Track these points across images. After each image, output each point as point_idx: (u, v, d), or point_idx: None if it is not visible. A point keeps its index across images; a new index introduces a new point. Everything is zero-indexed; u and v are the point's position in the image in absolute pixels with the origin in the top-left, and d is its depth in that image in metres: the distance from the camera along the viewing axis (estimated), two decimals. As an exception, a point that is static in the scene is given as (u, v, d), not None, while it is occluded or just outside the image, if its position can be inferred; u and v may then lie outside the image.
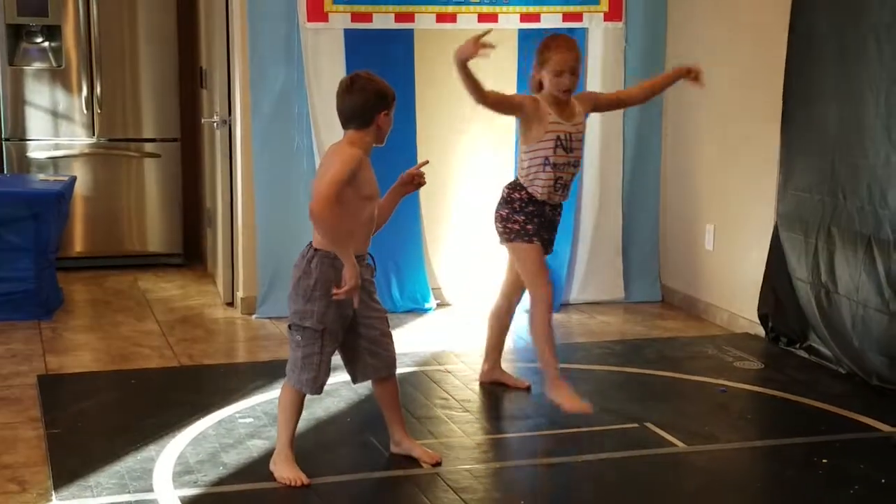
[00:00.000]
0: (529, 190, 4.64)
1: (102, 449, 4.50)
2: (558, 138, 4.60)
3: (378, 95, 4.06)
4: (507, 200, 4.72)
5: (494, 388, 5.11)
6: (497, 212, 4.74)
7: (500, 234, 4.76)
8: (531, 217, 4.62)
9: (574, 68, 4.60)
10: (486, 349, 5.12)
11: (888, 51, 4.75)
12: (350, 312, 3.99)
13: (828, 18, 5.19)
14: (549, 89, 4.60)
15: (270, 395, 4.96)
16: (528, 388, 5.00)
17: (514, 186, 4.74)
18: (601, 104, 5.03)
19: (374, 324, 4.14)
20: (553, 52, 4.59)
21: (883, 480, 3.87)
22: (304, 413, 4.38)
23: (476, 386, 5.09)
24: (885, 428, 4.24)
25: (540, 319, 4.72)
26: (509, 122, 6.46)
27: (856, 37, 5.05)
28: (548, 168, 4.61)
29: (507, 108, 4.79)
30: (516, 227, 4.65)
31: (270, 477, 4.09)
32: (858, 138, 4.99)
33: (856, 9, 5.02)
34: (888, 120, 4.75)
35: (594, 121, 6.56)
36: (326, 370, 4.07)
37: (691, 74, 4.98)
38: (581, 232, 6.69)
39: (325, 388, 4.27)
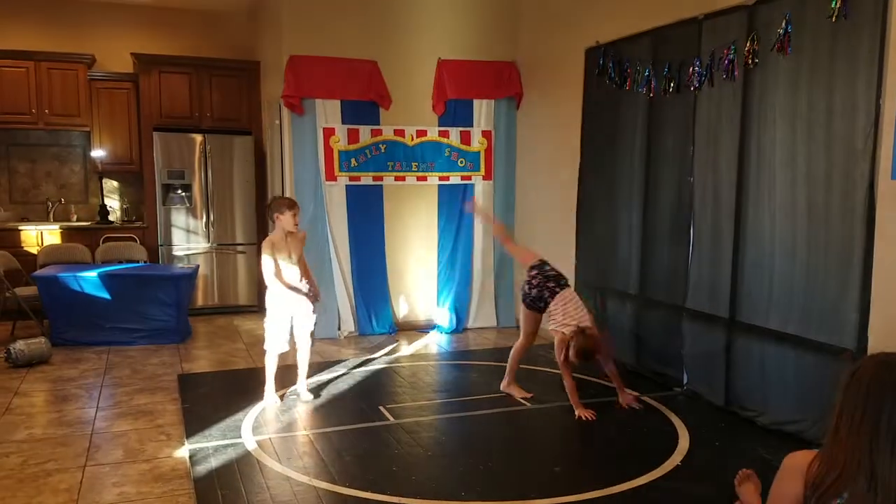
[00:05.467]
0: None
1: (213, 415, 5.16)
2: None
3: (270, 207, 5.09)
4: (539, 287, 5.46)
5: (435, 373, 6.11)
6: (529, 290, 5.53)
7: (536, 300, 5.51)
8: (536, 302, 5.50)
9: (590, 355, 5.04)
10: (508, 370, 5.78)
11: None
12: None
13: (603, 149, 6.10)
14: (571, 355, 5.12)
15: (313, 380, 6.12)
16: (532, 398, 5.64)
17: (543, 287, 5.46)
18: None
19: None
20: (585, 345, 5.02)
21: None
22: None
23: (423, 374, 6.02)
24: None
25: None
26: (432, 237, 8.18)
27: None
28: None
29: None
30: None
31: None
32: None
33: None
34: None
35: (482, 232, 8.13)
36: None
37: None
38: (474, 284, 8.42)
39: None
